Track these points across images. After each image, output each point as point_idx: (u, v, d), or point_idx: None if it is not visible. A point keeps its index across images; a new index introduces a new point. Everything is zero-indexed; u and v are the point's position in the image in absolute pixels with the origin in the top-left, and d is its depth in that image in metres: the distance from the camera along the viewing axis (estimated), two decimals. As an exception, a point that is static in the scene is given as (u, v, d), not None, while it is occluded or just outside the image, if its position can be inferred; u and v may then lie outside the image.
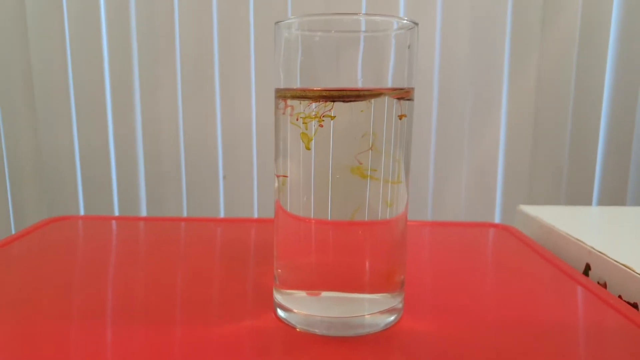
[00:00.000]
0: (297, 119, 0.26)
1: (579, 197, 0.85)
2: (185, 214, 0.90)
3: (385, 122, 0.26)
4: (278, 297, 0.29)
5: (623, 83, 0.81)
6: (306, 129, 0.26)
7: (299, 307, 0.28)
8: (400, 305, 0.29)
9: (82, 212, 0.92)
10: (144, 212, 0.91)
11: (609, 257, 0.35)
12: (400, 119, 0.27)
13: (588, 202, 0.85)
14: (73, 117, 0.87)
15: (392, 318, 0.29)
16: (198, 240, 0.47)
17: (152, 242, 0.47)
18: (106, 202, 0.90)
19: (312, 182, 0.27)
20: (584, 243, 0.39)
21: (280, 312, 0.29)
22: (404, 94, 0.27)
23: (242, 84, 0.84)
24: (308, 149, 0.26)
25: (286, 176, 0.28)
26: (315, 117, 0.26)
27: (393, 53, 0.26)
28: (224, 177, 0.89)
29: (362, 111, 0.26)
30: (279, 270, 0.29)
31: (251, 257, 0.41)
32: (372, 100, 0.25)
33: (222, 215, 0.90)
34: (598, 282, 0.36)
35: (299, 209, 0.27)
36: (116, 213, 0.91)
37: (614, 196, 0.84)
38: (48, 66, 0.85)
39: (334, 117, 0.25)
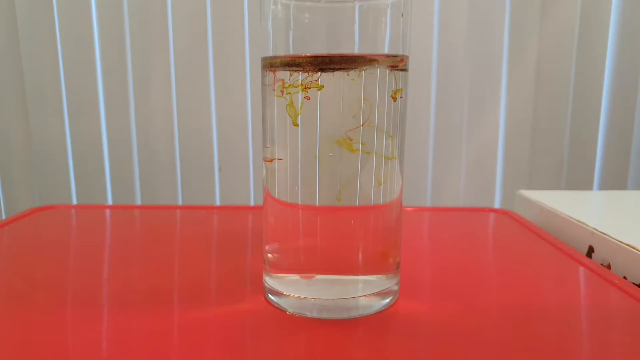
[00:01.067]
0: (282, 92, 0.25)
1: (579, 182, 0.84)
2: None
3: (378, 93, 0.25)
4: (268, 280, 0.28)
5: (623, 67, 0.79)
6: (292, 102, 0.25)
7: (290, 290, 0.27)
8: (396, 287, 0.28)
9: (74, 203, 0.90)
10: (138, 202, 0.89)
11: (612, 238, 0.34)
12: (394, 98, 0.25)
13: (589, 187, 0.83)
14: (64, 105, 0.85)
15: (388, 300, 0.27)
16: (189, 228, 0.46)
17: (141, 229, 0.46)
18: (99, 195, 0.88)
19: (300, 159, 0.25)
20: (586, 225, 0.38)
21: (270, 296, 0.27)
22: (397, 62, 0.25)
23: (237, 74, 0.82)
24: (295, 124, 0.25)
25: (273, 159, 0.26)
26: (301, 87, 0.24)
27: (387, 21, 0.25)
28: (220, 169, 0.87)
29: (352, 80, 0.24)
30: (269, 255, 0.28)
31: (244, 244, 0.40)
32: (364, 69, 0.24)
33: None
34: (602, 264, 0.35)
35: (289, 191, 0.26)
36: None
37: (614, 181, 0.83)
38: (39, 54, 0.83)
39: (322, 86, 0.24)
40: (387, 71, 0.25)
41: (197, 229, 0.44)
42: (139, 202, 0.89)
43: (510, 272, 0.33)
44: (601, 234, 0.35)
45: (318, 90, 0.24)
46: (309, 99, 0.24)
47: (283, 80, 0.25)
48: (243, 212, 0.50)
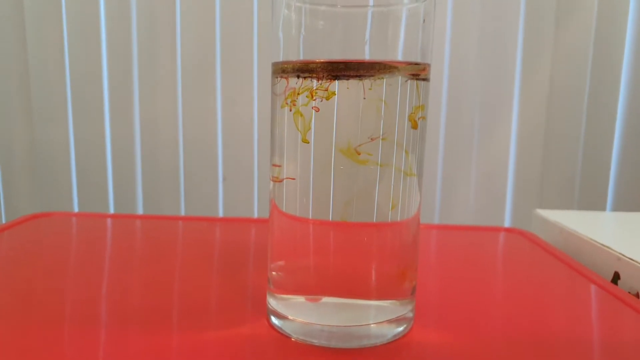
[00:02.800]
0: (293, 102, 0.23)
1: (592, 201, 0.81)
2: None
3: (399, 104, 0.23)
4: (272, 302, 0.26)
5: (639, 81, 0.77)
6: (302, 113, 0.23)
7: (295, 314, 0.24)
8: (410, 315, 0.26)
9: (76, 211, 0.88)
10: (140, 214, 0.87)
11: (641, 265, 0.32)
12: (411, 121, 0.23)
13: (602, 207, 0.81)
14: (69, 112, 0.84)
15: (401, 328, 0.25)
16: (190, 241, 0.44)
17: (139, 241, 0.44)
18: (102, 203, 0.86)
19: (312, 175, 0.23)
20: (612, 249, 0.35)
21: (274, 319, 0.25)
22: (419, 71, 0.23)
23: (244, 82, 0.81)
24: (305, 141, 0.23)
25: (283, 179, 0.24)
26: (312, 95, 0.22)
27: (404, 28, 0.23)
28: (224, 179, 0.86)
29: (370, 89, 0.22)
30: (274, 273, 0.26)
31: (246, 259, 0.38)
32: (383, 77, 0.22)
33: (220, 216, 0.87)
34: (629, 292, 0.33)
35: (297, 205, 0.24)
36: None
37: (629, 201, 0.80)
38: (45, 60, 0.82)
39: (334, 93, 0.22)
40: (408, 80, 0.23)
41: (199, 242, 0.42)
42: (141, 209, 0.87)
43: (531, 299, 0.31)
44: (629, 260, 0.33)
45: (327, 99, 0.22)
46: (317, 110, 0.22)
47: (294, 88, 0.23)
48: (246, 225, 0.48)
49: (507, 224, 0.83)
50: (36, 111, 0.84)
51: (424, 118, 0.24)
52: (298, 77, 0.23)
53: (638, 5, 0.76)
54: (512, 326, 0.27)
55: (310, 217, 0.24)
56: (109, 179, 0.86)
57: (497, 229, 0.49)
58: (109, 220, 0.50)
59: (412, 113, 0.23)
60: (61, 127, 0.84)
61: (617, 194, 0.80)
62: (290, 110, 0.23)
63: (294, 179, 0.24)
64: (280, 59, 0.24)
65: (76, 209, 0.88)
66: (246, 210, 0.85)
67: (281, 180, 0.24)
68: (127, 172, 0.85)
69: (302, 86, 0.22)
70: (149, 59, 0.82)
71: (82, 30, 0.81)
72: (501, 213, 0.83)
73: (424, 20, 0.24)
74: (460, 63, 0.79)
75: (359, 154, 0.22)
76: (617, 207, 0.81)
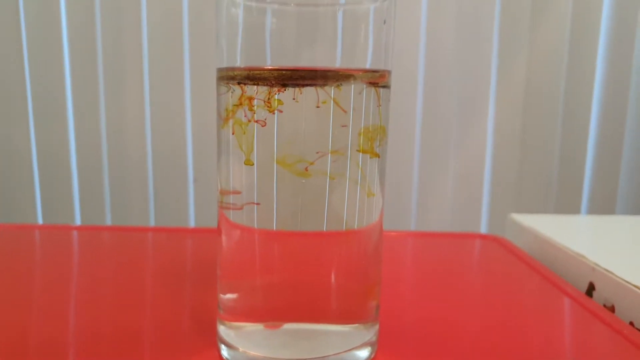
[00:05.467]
0: (237, 108, 0.21)
1: (567, 205, 0.81)
2: (152, 220, 0.84)
3: (352, 115, 0.21)
4: (222, 330, 0.24)
5: (614, 87, 0.77)
6: (244, 129, 0.21)
7: (247, 345, 0.22)
8: (374, 339, 0.24)
9: (40, 221, 0.84)
10: (108, 218, 0.84)
11: (617, 277, 0.31)
12: (380, 116, 0.22)
13: (577, 211, 0.81)
14: (30, 118, 0.80)
15: (365, 356, 0.23)
16: (149, 254, 0.41)
17: (77, 255, 0.41)
18: (67, 208, 0.83)
19: (256, 188, 0.21)
20: (586, 259, 0.34)
21: (224, 351, 0.23)
22: (378, 78, 0.21)
23: (213, 80, 0.78)
24: (249, 163, 0.21)
25: (229, 192, 0.22)
26: (261, 106, 0.20)
27: (368, 30, 0.21)
28: (195, 180, 0.83)
29: (323, 102, 0.20)
30: (223, 296, 0.24)
31: (207, 276, 0.35)
32: (338, 85, 0.20)
33: (192, 221, 0.84)
34: (605, 305, 0.31)
35: (245, 218, 0.22)
36: (78, 219, 0.84)
37: (603, 204, 0.80)
38: (2, 65, 0.78)
39: (282, 102, 0.20)
40: (366, 88, 0.21)
41: (160, 256, 0.39)
42: (108, 213, 0.83)
43: (503, 314, 0.30)
44: (604, 271, 0.32)
45: (277, 112, 0.20)
46: (264, 125, 0.20)
47: (241, 96, 0.21)
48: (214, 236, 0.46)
49: (483, 229, 0.82)
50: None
51: (381, 142, 0.22)
52: (245, 84, 0.20)
53: (612, 5, 0.76)
54: (482, 345, 0.25)
55: (259, 226, 0.21)
56: (74, 180, 0.82)
57: (472, 236, 0.48)
58: (42, 232, 0.47)
59: (371, 140, 0.21)
60: (22, 134, 0.80)
61: (591, 198, 0.80)
62: (234, 113, 0.21)
63: (257, 203, 0.21)
64: (225, 64, 0.21)
65: (41, 220, 0.84)
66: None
67: (241, 208, 0.22)
68: (94, 172, 0.82)
69: (248, 95, 0.20)
70: (114, 57, 0.78)
71: (43, 32, 0.77)
72: (477, 218, 0.82)
73: (384, 22, 0.22)
74: (435, 65, 0.78)
75: (311, 165, 0.20)
76: (591, 210, 0.81)
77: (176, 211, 0.83)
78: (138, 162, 0.81)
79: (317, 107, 0.20)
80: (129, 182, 0.82)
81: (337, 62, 0.21)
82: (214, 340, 0.24)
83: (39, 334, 0.25)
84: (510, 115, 0.80)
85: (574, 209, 0.81)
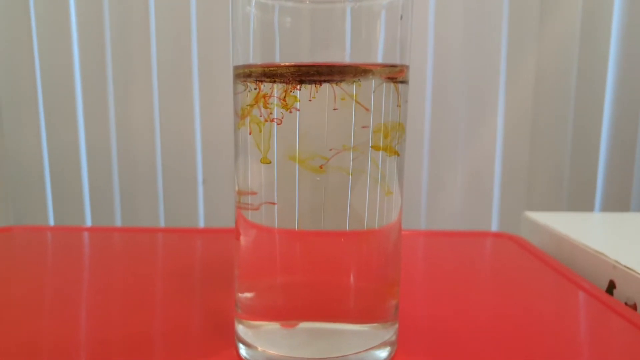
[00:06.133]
0: (252, 107, 0.20)
1: (580, 202, 0.80)
2: (161, 221, 0.84)
3: (372, 111, 0.20)
4: (240, 329, 0.23)
5: (626, 80, 0.76)
6: (261, 127, 0.20)
7: (265, 344, 0.22)
8: (394, 338, 0.24)
9: (51, 222, 0.85)
10: (118, 219, 0.84)
11: (638, 274, 0.30)
12: (399, 112, 0.21)
13: (590, 208, 0.80)
14: (41, 121, 0.80)
15: (385, 355, 0.23)
16: (162, 254, 0.41)
17: (102, 258, 0.41)
18: (77, 206, 0.83)
19: (276, 187, 0.21)
20: (606, 256, 0.33)
21: (242, 350, 0.23)
22: (396, 73, 0.21)
23: (222, 81, 0.78)
24: (266, 161, 0.21)
25: (247, 192, 0.22)
26: (278, 105, 0.20)
27: (383, 25, 0.21)
28: (204, 182, 0.83)
29: (342, 99, 0.20)
30: (241, 295, 0.23)
31: (221, 276, 0.35)
32: (356, 81, 0.20)
33: (201, 222, 0.84)
34: (626, 303, 0.31)
35: (263, 217, 0.21)
36: (88, 220, 0.84)
37: (617, 201, 0.79)
38: (15, 66, 0.79)
39: (298, 100, 0.20)
40: (384, 84, 0.21)
41: (173, 258, 0.39)
42: (118, 214, 0.84)
43: (523, 313, 0.29)
44: (625, 268, 0.31)
45: (293, 111, 0.20)
46: (279, 124, 0.20)
47: (258, 94, 0.20)
48: (226, 236, 0.46)
49: (494, 227, 0.82)
50: (6, 121, 0.80)
51: (401, 134, 0.22)
52: (261, 82, 0.20)
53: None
54: (503, 344, 0.25)
55: (278, 226, 0.21)
56: (84, 182, 0.82)
57: (485, 234, 0.47)
58: (71, 234, 0.47)
59: (390, 137, 0.21)
60: (33, 136, 0.81)
61: (605, 194, 0.79)
62: (251, 110, 0.21)
63: (274, 203, 0.21)
64: (242, 62, 0.21)
65: (51, 220, 0.85)
66: (227, 212, 0.82)
67: (258, 207, 0.22)
68: (104, 174, 0.82)
69: (265, 92, 0.20)
70: (123, 59, 0.79)
71: (53, 35, 0.78)
72: (488, 215, 0.81)
73: (401, 17, 0.22)
74: (444, 60, 0.77)
75: (328, 162, 0.20)
76: (605, 208, 0.80)
77: (185, 212, 0.83)
78: (147, 164, 0.82)
79: (335, 106, 0.20)
80: (138, 184, 0.82)
81: (353, 58, 0.20)
82: (232, 340, 0.24)
83: (55, 336, 0.25)
84: (520, 112, 0.79)
85: (587, 206, 0.80)
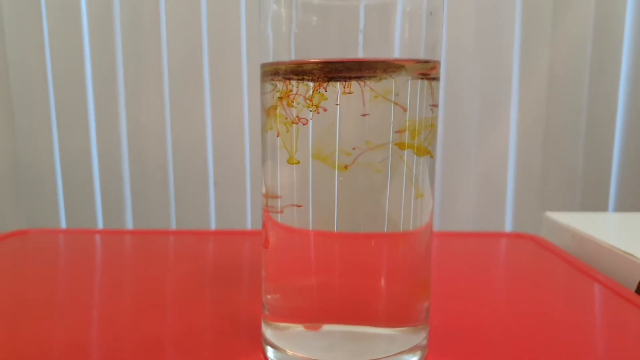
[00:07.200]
0: (281, 104, 0.20)
1: (594, 202, 0.79)
2: (173, 223, 0.84)
3: (409, 107, 0.20)
4: (267, 331, 0.23)
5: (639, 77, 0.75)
6: (288, 127, 0.20)
7: (293, 347, 0.22)
8: (424, 342, 0.23)
9: (63, 224, 0.85)
10: (129, 221, 0.84)
11: (669, 275, 0.29)
12: (432, 109, 0.21)
13: (604, 208, 0.79)
14: (53, 123, 0.81)
15: (416, 359, 0.22)
16: (179, 258, 0.41)
17: (122, 260, 0.41)
18: (89, 212, 0.83)
19: (311, 185, 0.20)
20: (635, 257, 0.33)
21: (270, 352, 0.22)
22: (429, 69, 0.20)
23: (233, 82, 0.78)
24: (294, 161, 0.20)
25: (275, 195, 0.21)
26: (306, 104, 0.19)
27: (410, 22, 0.20)
28: (215, 184, 0.83)
29: (375, 97, 0.19)
30: (269, 297, 0.23)
31: (239, 278, 0.35)
32: (387, 77, 0.19)
33: (212, 225, 0.83)
34: (657, 305, 0.30)
35: (293, 219, 0.21)
36: (100, 223, 0.84)
37: (631, 201, 0.78)
38: (26, 70, 0.79)
39: (326, 98, 0.19)
40: (417, 80, 0.20)
41: (188, 259, 0.39)
42: (129, 217, 0.84)
43: (553, 315, 0.28)
44: (654, 270, 0.31)
45: (320, 110, 0.19)
46: (306, 123, 0.20)
47: (286, 92, 0.20)
48: (240, 238, 0.45)
49: (508, 226, 0.81)
50: (18, 123, 0.81)
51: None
52: (290, 79, 0.20)
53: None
54: (534, 347, 0.24)
55: (311, 228, 0.21)
56: (96, 186, 0.82)
57: (505, 235, 0.46)
58: (86, 237, 0.47)
59: (422, 137, 0.21)
60: (45, 138, 0.81)
61: (619, 194, 0.78)
62: (280, 108, 0.20)
63: (300, 206, 0.21)
64: (270, 59, 0.21)
65: (64, 224, 0.85)
66: (239, 214, 0.82)
67: (282, 211, 0.21)
68: (115, 177, 0.82)
69: (295, 90, 0.20)
70: (134, 62, 0.79)
71: (64, 38, 0.78)
72: (502, 215, 0.81)
73: (431, 13, 0.21)
74: (457, 62, 0.77)
75: (357, 163, 0.20)
76: (620, 208, 0.79)
77: (197, 214, 0.83)
78: (158, 166, 0.82)
79: (366, 104, 0.19)
80: (150, 186, 0.82)
81: (382, 55, 0.20)
82: (258, 342, 0.24)
83: (72, 339, 0.25)
84: (533, 113, 0.79)
85: (601, 206, 0.79)
